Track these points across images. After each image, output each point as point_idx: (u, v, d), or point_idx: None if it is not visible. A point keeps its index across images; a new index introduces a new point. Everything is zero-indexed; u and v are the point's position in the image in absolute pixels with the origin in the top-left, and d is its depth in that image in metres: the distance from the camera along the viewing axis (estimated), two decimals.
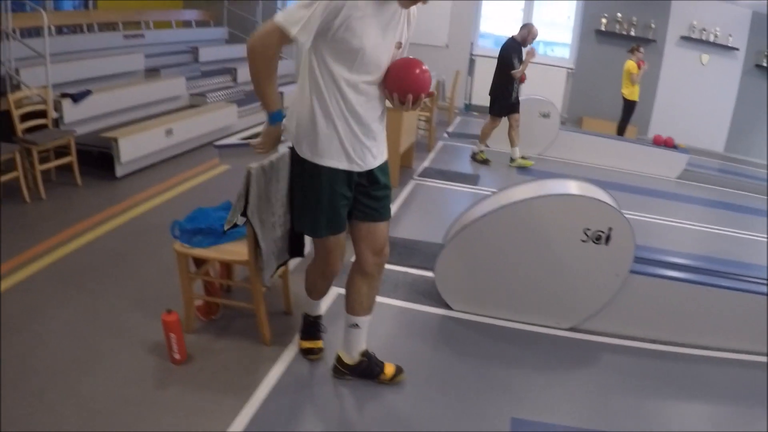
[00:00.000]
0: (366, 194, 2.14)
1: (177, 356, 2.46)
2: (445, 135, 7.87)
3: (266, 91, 1.97)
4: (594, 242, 2.77)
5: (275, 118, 2.06)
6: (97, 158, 4.96)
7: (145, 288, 3.08)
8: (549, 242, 2.84)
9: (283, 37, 1.82)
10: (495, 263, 2.95)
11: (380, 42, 1.91)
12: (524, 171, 6.37)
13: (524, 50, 6.07)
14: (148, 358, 2.49)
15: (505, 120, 6.32)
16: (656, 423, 2.37)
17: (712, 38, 9.14)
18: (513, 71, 5.99)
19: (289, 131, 2.10)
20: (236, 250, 2.56)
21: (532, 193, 2.84)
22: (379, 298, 2.97)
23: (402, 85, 1.96)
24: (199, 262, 2.77)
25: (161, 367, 2.44)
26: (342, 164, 2.03)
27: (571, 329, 2.99)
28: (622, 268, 2.83)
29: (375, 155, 2.10)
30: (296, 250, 2.56)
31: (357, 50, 1.87)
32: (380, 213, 2.20)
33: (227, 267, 2.96)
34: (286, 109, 2.11)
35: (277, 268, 2.59)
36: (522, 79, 6.23)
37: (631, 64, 7.49)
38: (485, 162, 6.50)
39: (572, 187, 3.04)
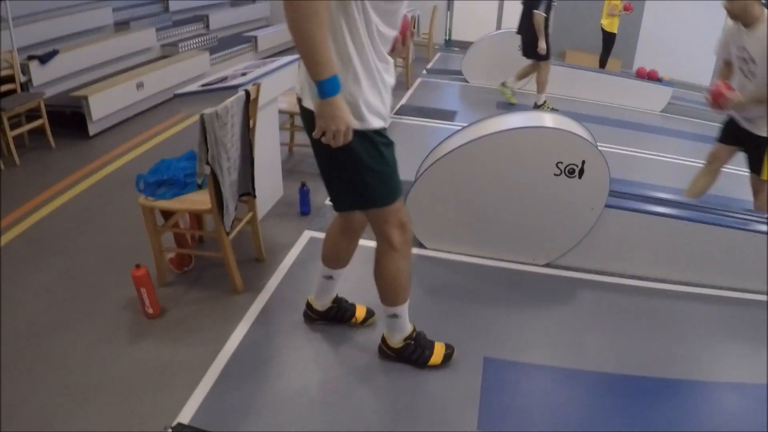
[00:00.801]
0: None
1: (150, 310, 2.45)
2: (424, 72, 7.73)
3: (319, 49, 1.47)
4: (567, 176, 2.72)
5: (334, 86, 1.53)
6: (70, 118, 4.84)
7: (118, 245, 3.06)
8: (521, 176, 2.79)
9: None
10: (467, 199, 2.90)
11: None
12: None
13: None
14: (122, 315, 2.48)
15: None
16: (631, 360, 2.37)
17: None
18: (537, 13, 5.68)
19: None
20: (199, 199, 2.52)
21: (502, 127, 2.77)
22: None
23: None
24: (168, 214, 2.73)
25: (135, 322, 2.44)
26: (387, 121, 1.79)
27: (548, 265, 2.98)
28: (598, 202, 2.80)
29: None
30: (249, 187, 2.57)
31: None
32: None
33: (197, 217, 2.92)
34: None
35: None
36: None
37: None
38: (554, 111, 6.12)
39: (544, 119, 2.96)
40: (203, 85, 2.94)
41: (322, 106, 1.55)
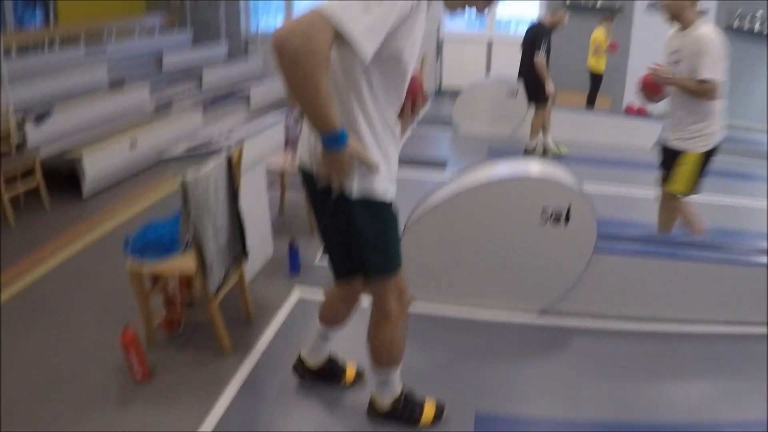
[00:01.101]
0: None
1: (138, 374, 2.43)
2: (414, 124, 7.70)
3: (322, 103, 1.38)
4: (553, 223, 2.72)
5: (340, 138, 1.47)
6: (65, 177, 4.87)
7: (110, 305, 3.06)
8: (507, 226, 2.79)
9: (332, 39, 1.34)
10: (455, 250, 2.90)
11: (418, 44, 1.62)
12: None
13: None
14: (112, 378, 2.47)
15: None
16: (629, 406, 2.32)
17: None
18: (537, 58, 5.76)
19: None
20: (186, 262, 2.52)
21: (485, 179, 2.78)
22: None
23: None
24: (156, 276, 2.73)
25: (124, 385, 2.42)
26: (394, 192, 1.75)
27: (540, 312, 2.95)
28: (586, 248, 2.79)
29: None
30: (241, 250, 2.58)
31: (406, 60, 1.56)
32: None
33: (187, 279, 2.91)
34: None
35: (226, 274, 2.59)
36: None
37: (598, 34, 7.39)
38: (545, 153, 6.17)
39: (527, 168, 2.98)
40: (188, 150, 2.97)
41: (327, 157, 1.51)
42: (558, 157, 6.17)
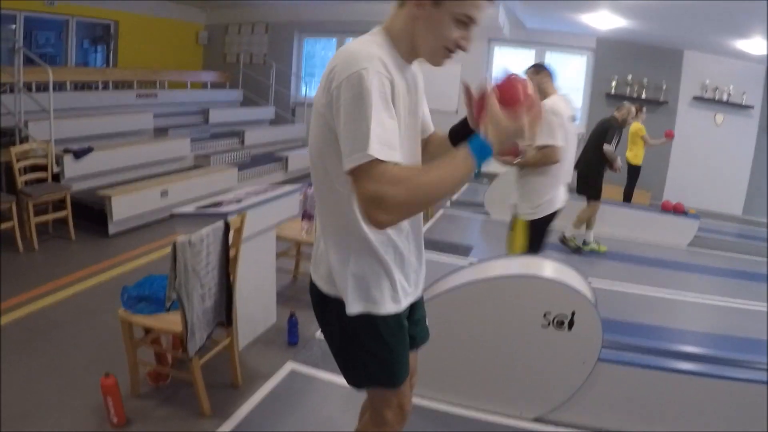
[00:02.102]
0: (408, 319, 1.69)
1: (114, 420, 2.46)
2: (448, 204, 7.52)
3: (446, 183, 1.32)
4: (556, 327, 2.61)
5: (481, 152, 1.37)
6: (94, 213, 5.07)
7: (107, 346, 3.11)
8: (507, 325, 2.68)
9: (390, 165, 1.26)
10: (451, 345, 2.78)
11: (413, 124, 1.53)
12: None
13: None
14: (90, 418, 2.52)
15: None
16: None
17: (725, 97, 8.94)
18: (606, 150, 5.73)
19: (318, 275, 1.60)
20: (175, 320, 2.53)
21: (489, 274, 2.71)
22: (330, 378, 2.91)
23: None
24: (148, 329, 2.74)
25: (100, 428, 2.45)
26: (402, 303, 1.58)
27: (537, 420, 2.79)
28: (590, 356, 2.65)
29: (422, 271, 1.69)
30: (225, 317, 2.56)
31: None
32: (422, 337, 1.83)
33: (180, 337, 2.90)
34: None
35: (208, 337, 2.60)
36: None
37: (637, 126, 7.32)
38: (578, 249, 5.99)
39: (535, 267, 2.89)
40: (198, 208, 3.01)
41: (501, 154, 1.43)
42: (596, 254, 5.97)
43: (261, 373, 3.01)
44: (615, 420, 2.75)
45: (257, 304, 3.38)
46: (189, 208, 3.01)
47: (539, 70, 3.50)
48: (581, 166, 5.86)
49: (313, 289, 1.62)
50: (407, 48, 1.46)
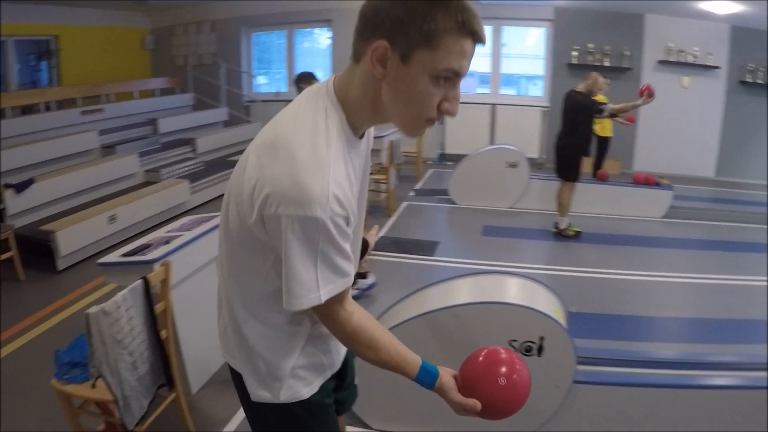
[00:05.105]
0: (337, 387, 1.54)
1: None
2: (412, 193, 7.26)
3: (394, 354, 1.32)
4: (524, 354, 2.37)
5: (430, 373, 1.35)
6: (42, 249, 4.73)
7: (54, 411, 2.75)
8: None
9: (340, 306, 1.21)
10: None
11: (361, 200, 1.32)
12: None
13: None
14: None
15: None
16: None
17: (690, 59, 8.73)
18: (605, 115, 5.67)
19: (235, 360, 1.36)
20: (104, 391, 2.22)
21: (449, 301, 2.46)
22: None
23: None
24: None
25: None
26: (324, 377, 1.41)
27: None
28: (563, 380, 2.43)
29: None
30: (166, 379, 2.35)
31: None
32: (349, 402, 1.65)
33: None
34: None
35: (151, 401, 2.33)
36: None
37: (599, 98, 7.08)
38: (578, 234, 5.76)
39: (502, 288, 2.65)
40: (124, 255, 2.72)
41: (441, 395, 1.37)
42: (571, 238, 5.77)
43: (216, 417, 2.82)
44: None
45: (206, 344, 3.09)
46: (113, 257, 2.72)
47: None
48: (560, 147, 5.65)
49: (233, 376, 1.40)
50: (367, 116, 1.17)
